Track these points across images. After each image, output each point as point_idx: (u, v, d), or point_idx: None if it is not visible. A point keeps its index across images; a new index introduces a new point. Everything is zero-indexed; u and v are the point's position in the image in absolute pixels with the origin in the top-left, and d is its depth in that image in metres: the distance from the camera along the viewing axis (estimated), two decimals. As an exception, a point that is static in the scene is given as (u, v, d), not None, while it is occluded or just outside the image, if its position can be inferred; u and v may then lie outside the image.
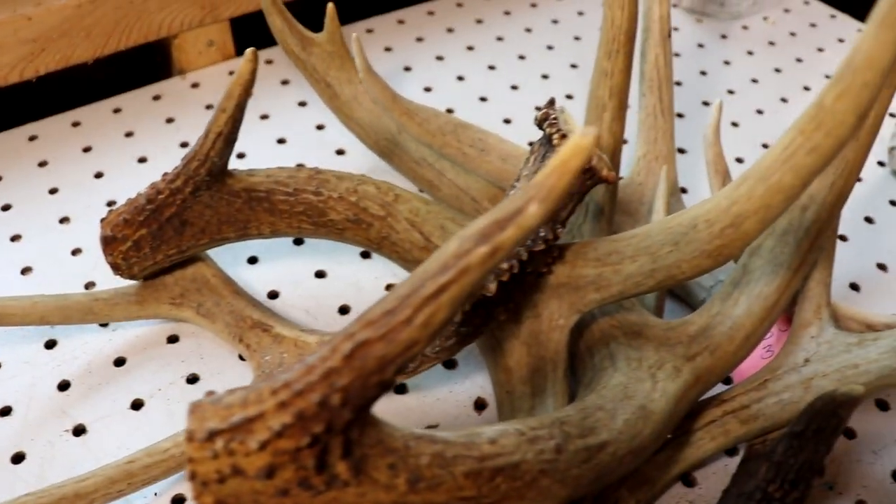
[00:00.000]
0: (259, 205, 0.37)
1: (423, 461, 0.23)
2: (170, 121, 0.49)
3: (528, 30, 0.58)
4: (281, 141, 0.49)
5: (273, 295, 0.41)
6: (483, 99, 0.53)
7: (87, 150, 0.48)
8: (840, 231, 0.47)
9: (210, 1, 0.49)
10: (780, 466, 0.30)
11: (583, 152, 0.19)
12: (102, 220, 0.37)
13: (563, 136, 0.32)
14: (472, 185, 0.42)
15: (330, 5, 0.43)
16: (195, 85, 0.52)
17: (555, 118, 0.33)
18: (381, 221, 0.36)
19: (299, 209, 0.37)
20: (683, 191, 0.48)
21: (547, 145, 0.33)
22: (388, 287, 0.42)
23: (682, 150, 0.51)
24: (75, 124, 0.49)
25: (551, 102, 0.35)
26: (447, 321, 0.21)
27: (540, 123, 0.34)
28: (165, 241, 0.37)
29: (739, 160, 0.50)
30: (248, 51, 0.31)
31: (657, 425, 0.29)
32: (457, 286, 0.20)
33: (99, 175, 0.47)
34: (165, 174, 0.36)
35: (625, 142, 0.42)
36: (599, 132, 0.19)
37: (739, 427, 0.34)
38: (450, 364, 0.39)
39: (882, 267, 0.45)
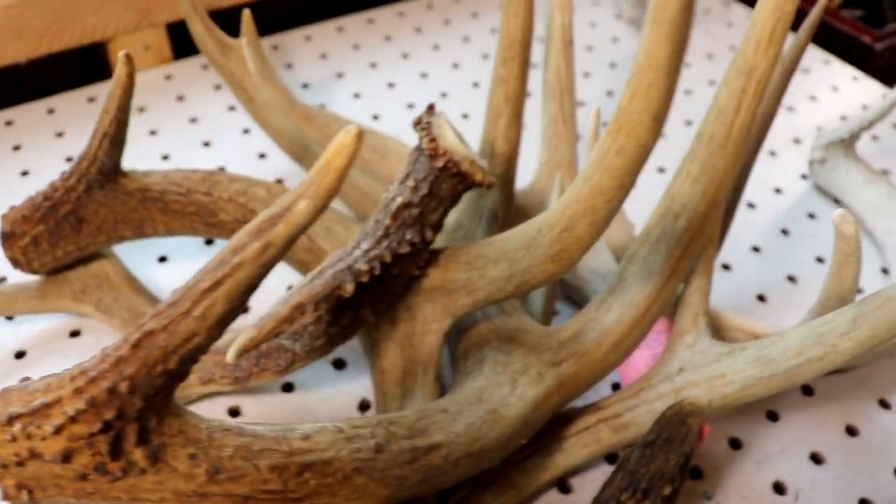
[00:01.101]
0: (153, 204, 0.38)
1: (227, 453, 0.23)
2: (101, 122, 0.51)
3: (466, 39, 0.59)
4: (206, 144, 0.50)
5: (178, 293, 0.42)
6: (410, 106, 0.53)
7: (16, 148, 0.49)
8: (755, 243, 0.47)
9: (145, 6, 0.51)
10: (633, 475, 0.30)
11: (345, 150, 0.19)
12: (2, 217, 0.38)
13: (433, 141, 0.33)
14: (376, 189, 0.43)
15: (246, 11, 0.44)
16: (130, 88, 0.53)
17: (427, 123, 0.33)
18: (269, 222, 0.37)
19: (191, 209, 0.38)
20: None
21: (419, 149, 0.34)
22: (289, 288, 0.43)
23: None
24: (8, 123, 0.51)
25: (430, 107, 0.35)
26: (228, 314, 0.21)
27: (414, 127, 0.34)
28: (63, 237, 0.38)
29: (661, 170, 0.50)
30: (121, 54, 0.32)
31: (506, 429, 0.30)
32: (232, 280, 0.20)
33: (25, 173, 0.48)
34: (63, 173, 0.37)
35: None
36: (362, 129, 0.19)
37: (612, 435, 0.34)
38: (339, 364, 0.39)
39: (791, 279, 0.45)
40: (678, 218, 0.32)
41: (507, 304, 0.36)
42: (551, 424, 0.35)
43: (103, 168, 0.36)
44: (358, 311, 0.33)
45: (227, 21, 0.47)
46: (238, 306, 0.21)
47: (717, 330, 0.38)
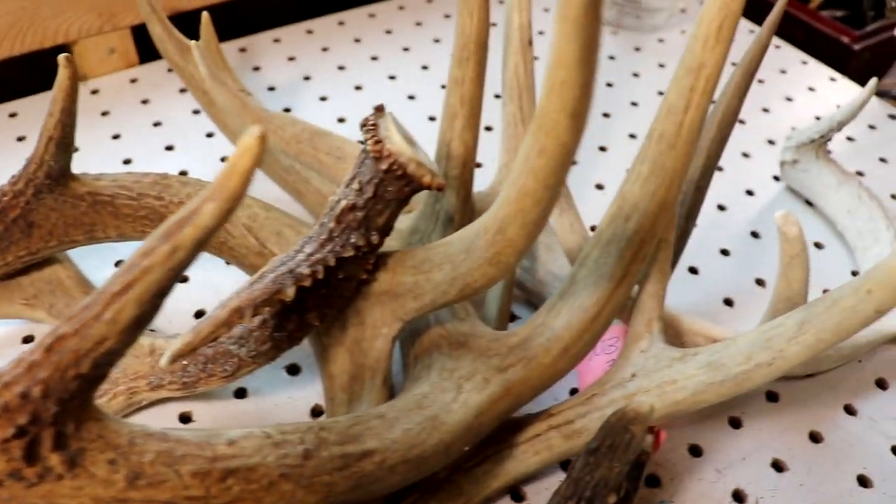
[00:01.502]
0: (104, 208, 0.38)
1: (148, 458, 0.23)
2: (63, 126, 0.51)
3: (437, 40, 0.59)
4: (170, 148, 0.50)
5: (133, 299, 0.42)
6: (379, 108, 0.53)
7: (-23, 153, 0.50)
8: (724, 246, 0.47)
9: (108, 9, 0.51)
10: (578, 483, 0.30)
11: (249, 152, 0.20)
12: (-47, 221, 0.38)
13: (378, 142, 0.33)
14: (333, 192, 0.43)
15: (205, 14, 0.45)
16: (95, 91, 0.54)
17: (373, 124, 0.34)
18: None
19: (142, 213, 0.38)
20: (566, 203, 0.48)
21: (365, 152, 0.34)
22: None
23: (572, 162, 0.51)
24: (-30, 127, 0.51)
25: (379, 109, 0.35)
26: (139, 318, 0.21)
27: (361, 129, 0.34)
28: (14, 242, 0.38)
29: (630, 173, 0.50)
30: (61, 57, 0.32)
31: (447, 436, 0.30)
32: (141, 284, 0.20)
33: (-15, 178, 0.48)
34: (11, 177, 0.37)
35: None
36: (264, 132, 0.19)
37: (563, 442, 0.34)
38: (293, 370, 0.39)
39: (760, 283, 0.45)
40: (629, 219, 0.32)
41: (461, 309, 0.36)
42: (502, 431, 0.35)
43: (51, 172, 0.36)
44: (304, 316, 0.33)
45: (196, 22, 0.47)
46: (150, 310, 0.21)
47: (676, 335, 0.38)
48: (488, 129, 0.53)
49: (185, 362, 0.36)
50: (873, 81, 0.44)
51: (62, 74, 0.32)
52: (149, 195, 0.38)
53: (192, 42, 0.39)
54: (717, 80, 0.30)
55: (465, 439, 0.30)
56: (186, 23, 0.48)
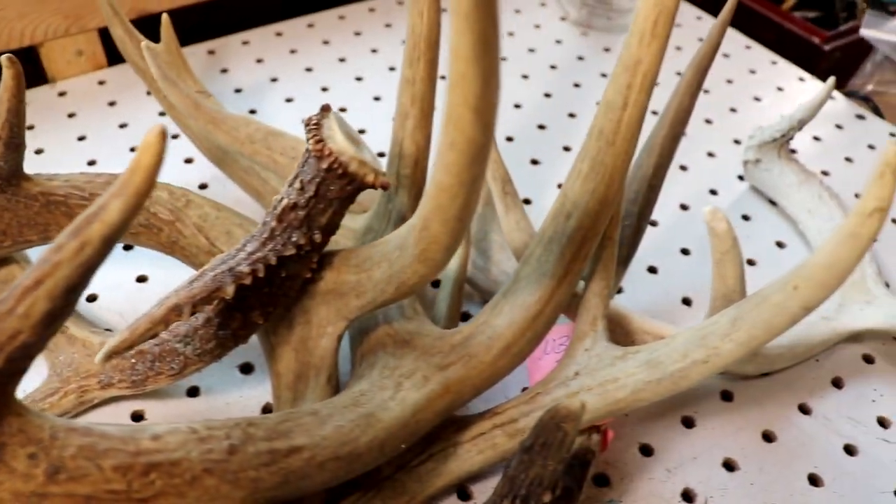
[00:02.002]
0: (57, 209, 0.39)
1: (69, 452, 0.24)
2: (30, 128, 0.52)
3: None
4: (134, 150, 0.51)
5: (91, 298, 0.43)
6: (343, 109, 0.54)
7: (-57, 155, 0.50)
8: (684, 245, 0.47)
9: (75, 11, 0.52)
10: (513, 481, 0.30)
11: (151, 149, 0.20)
12: None
13: (319, 141, 0.33)
14: (290, 193, 0.43)
15: (164, 16, 0.45)
16: (62, 94, 0.54)
17: (315, 123, 0.34)
18: (170, 226, 0.38)
19: (94, 213, 0.39)
20: (527, 202, 0.49)
21: (307, 151, 0.34)
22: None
23: (535, 162, 0.51)
24: (-64, 130, 0.52)
25: (324, 108, 0.36)
26: (52, 313, 0.22)
27: (304, 128, 0.35)
28: (-32, 242, 0.39)
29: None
30: (3, 58, 0.33)
31: (381, 433, 0.30)
32: (52, 279, 0.21)
33: (-50, 179, 0.49)
34: (-34, 177, 0.38)
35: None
36: (164, 128, 0.20)
37: (507, 441, 0.34)
38: (246, 369, 0.40)
39: (718, 283, 0.45)
40: (570, 217, 0.33)
41: (409, 307, 0.37)
42: (448, 429, 0.35)
43: (2, 172, 0.37)
44: (248, 315, 0.34)
45: (177, 22, 0.48)
46: (62, 305, 0.22)
47: (626, 333, 0.38)
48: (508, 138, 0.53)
49: (133, 361, 0.36)
50: (832, 80, 0.45)
51: (6, 75, 0.33)
52: (100, 195, 0.39)
53: (143, 43, 0.40)
54: (654, 76, 0.31)
55: (401, 437, 0.31)
56: (155, 25, 0.49)
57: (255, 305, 0.34)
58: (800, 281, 0.26)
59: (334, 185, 0.33)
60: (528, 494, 0.30)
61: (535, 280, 0.33)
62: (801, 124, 0.46)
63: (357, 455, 0.29)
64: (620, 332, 0.38)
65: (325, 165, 0.32)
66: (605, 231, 0.34)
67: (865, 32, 0.54)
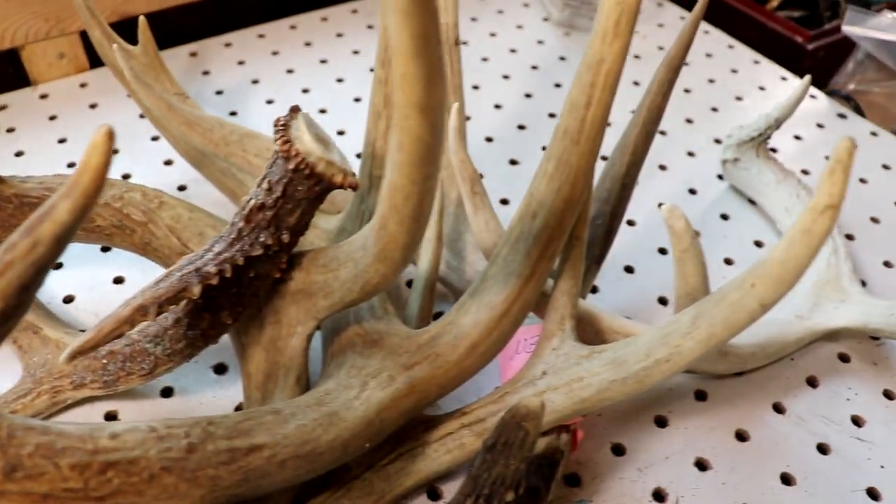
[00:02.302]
0: (31, 210, 0.39)
1: (26, 450, 0.24)
2: (10, 130, 0.52)
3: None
4: (114, 151, 0.51)
5: (68, 299, 0.43)
6: (322, 111, 0.55)
7: (-76, 157, 0.51)
8: (662, 245, 0.48)
9: (55, 13, 0.52)
10: (476, 480, 0.30)
11: (98, 149, 0.20)
12: None
13: (286, 142, 0.34)
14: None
15: (141, 18, 0.46)
16: (44, 96, 0.55)
17: (283, 125, 0.34)
18: (143, 227, 0.38)
19: (68, 214, 0.39)
20: (505, 202, 0.49)
21: (276, 152, 0.35)
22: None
23: (514, 162, 0.52)
24: (-83, 132, 0.52)
25: (293, 109, 0.36)
26: (4, 312, 0.22)
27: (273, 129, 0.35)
28: (-56, 244, 0.39)
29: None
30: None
31: (344, 432, 0.30)
32: (4, 278, 0.21)
33: (-70, 182, 0.49)
34: (-60, 180, 0.38)
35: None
36: (111, 129, 0.20)
37: (475, 440, 0.35)
38: (220, 369, 0.40)
39: (695, 282, 0.45)
40: (535, 217, 0.33)
41: (380, 307, 0.37)
42: (416, 429, 0.35)
43: (-25, 175, 0.37)
44: (217, 315, 0.34)
45: (161, 25, 0.48)
46: (16, 304, 0.22)
47: (596, 333, 0.38)
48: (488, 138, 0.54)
49: (104, 361, 0.37)
50: (807, 79, 0.45)
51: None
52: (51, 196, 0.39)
53: (115, 45, 0.40)
54: (617, 74, 0.31)
55: (365, 436, 0.31)
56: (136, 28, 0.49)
57: (224, 305, 0.34)
58: (756, 279, 0.27)
59: (302, 186, 0.33)
60: (491, 493, 0.30)
61: (502, 279, 0.34)
62: (777, 123, 0.46)
63: (319, 454, 0.30)
64: (591, 332, 0.38)
65: (292, 166, 0.32)
66: (573, 230, 0.35)
67: (847, 29, 0.54)
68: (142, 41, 0.46)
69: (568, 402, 0.33)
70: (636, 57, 0.60)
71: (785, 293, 0.27)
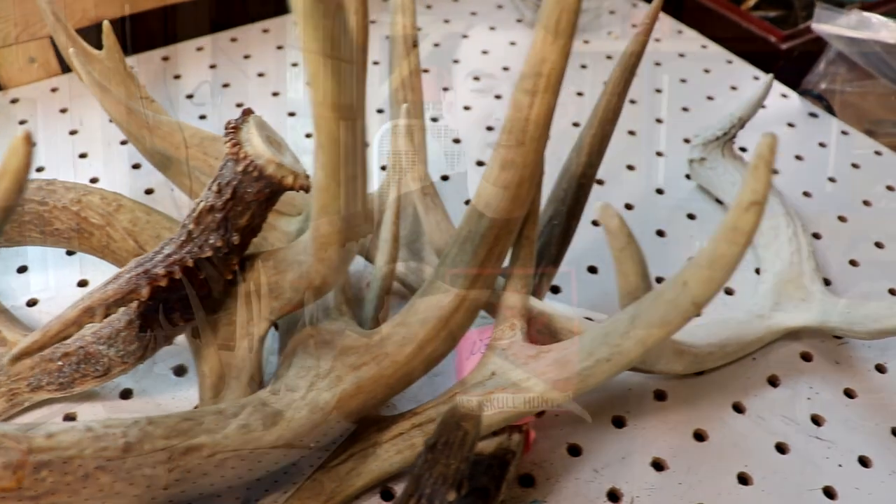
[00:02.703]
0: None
1: (-40, 451, 0.25)
2: (-20, 135, 0.53)
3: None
4: (83, 156, 0.52)
5: (31, 303, 0.44)
6: (292, 114, 0.55)
7: None
8: (626, 246, 0.48)
9: (23, 18, 0.53)
10: (419, 480, 0.31)
11: (17, 153, 0.21)
12: None
13: (235, 145, 0.34)
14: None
15: (105, 23, 0.47)
16: (14, 100, 0.56)
17: (233, 127, 0.35)
18: (101, 231, 0.39)
19: (26, 219, 0.40)
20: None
21: (226, 154, 0.35)
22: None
23: (482, 164, 0.52)
24: None
25: (246, 112, 0.37)
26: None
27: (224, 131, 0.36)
28: None
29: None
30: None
31: (287, 432, 0.31)
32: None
33: None
34: None
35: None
36: (28, 133, 0.21)
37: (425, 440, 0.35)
38: (180, 371, 0.41)
39: (660, 281, 0.45)
40: (482, 217, 0.34)
41: (335, 309, 0.38)
42: (368, 430, 0.36)
43: (-66, 179, 0.38)
44: (169, 316, 0.35)
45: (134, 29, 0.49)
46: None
47: (552, 333, 0.39)
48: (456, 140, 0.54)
49: (59, 363, 0.37)
50: (769, 77, 0.45)
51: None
52: (33, 200, 0.40)
53: (70, 49, 0.41)
54: (560, 74, 0.31)
55: (310, 437, 0.32)
56: (114, 32, 0.50)
57: (176, 307, 0.35)
58: (688, 277, 0.27)
59: (251, 188, 0.34)
60: (432, 493, 0.31)
61: (450, 279, 0.34)
62: (741, 122, 0.46)
63: (261, 454, 0.30)
64: (546, 332, 0.39)
65: (241, 168, 0.33)
66: (523, 230, 0.35)
67: (817, 27, 0.54)
68: (107, 45, 0.47)
69: (515, 403, 0.34)
70: (608, 57, 0.60)
71: (717, 291, 0.27)
